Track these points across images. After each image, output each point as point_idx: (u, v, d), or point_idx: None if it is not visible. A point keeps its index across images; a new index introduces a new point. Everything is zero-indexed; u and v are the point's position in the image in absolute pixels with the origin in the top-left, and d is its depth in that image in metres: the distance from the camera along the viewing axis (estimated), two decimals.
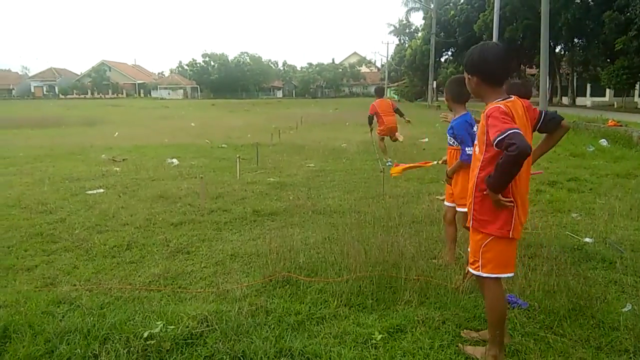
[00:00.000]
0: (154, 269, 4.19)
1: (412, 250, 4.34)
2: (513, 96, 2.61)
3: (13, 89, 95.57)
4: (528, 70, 55.69)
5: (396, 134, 10.89)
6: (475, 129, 3.88)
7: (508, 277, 2.67)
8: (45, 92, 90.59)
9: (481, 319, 3.14)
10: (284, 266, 4.09)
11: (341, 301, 3.45)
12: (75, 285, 3.85)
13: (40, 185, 7.88)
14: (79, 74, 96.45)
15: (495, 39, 31.89)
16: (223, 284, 3.91)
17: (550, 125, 2.91)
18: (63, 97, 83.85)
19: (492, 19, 32.63)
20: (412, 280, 3.67)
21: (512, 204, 2.53)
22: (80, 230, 5.29)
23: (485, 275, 2.65)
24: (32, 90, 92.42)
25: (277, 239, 4.92)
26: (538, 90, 27.37)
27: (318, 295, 3.58)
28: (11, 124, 21.90)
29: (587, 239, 4.85)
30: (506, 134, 2.28)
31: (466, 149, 3.84)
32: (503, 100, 2.54)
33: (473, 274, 2.76)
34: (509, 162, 2.31)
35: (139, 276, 4.07)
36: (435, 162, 5.05)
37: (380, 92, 11.19)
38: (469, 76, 2.63)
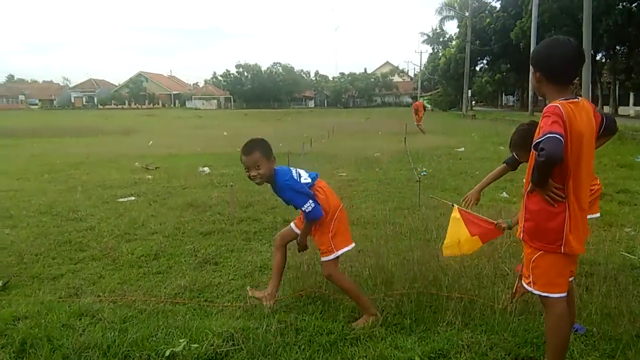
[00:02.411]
0: (180, 281, 4.02)
1: (454, 265, 4.04)
2: (580, 97, 2.34)
3: (54, 99, 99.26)
4: None
5: None
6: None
7: (558, 298, 2.37)
8: (84, 103, 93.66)
9: (534, 345, 2.82)
10: (315, 281, 3.86)
11: (378, 320, 3.18)
12: (99, 296, 3.72)
13: (72, 192, 7.91)
14: (117, 85, 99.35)
15: (533, 46, 31.14)
16: (251, 298, 3.71)
17: (609, 130, 2.63)
18: (101, 107, 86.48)
19: (530, 26, 31.93)
20: (454, 299, 3.37)
21: (563, 199, 2.28)
22: (108, 239, 5.19)
23: (536, 292, 2.41)
24: (72, 100, 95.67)
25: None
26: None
27: (352, 313, 3.33)
28: (52, 133, 22.52)
29: None
30: (544, 137, 2.13)
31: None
32: (565, 100, 2.28)
33: (526, 289, 2.50)
34: (537, 166, 2.24)
35: (165, 288, 3.91)
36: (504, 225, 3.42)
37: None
38: (534, 71, 2.41)
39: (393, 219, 5.95)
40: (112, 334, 2.88)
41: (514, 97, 71.36)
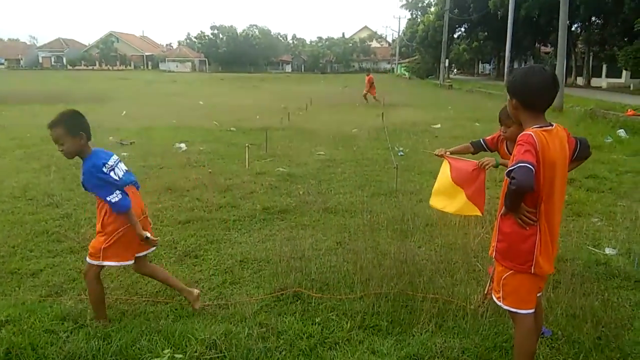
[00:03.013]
0: None
1: (428, 263, 4.19)
2: (554, 124, 2.43)
3: (21, 59, 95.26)
4: (543, 49, 54.62)
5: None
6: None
7: (526, 314, 2.52)
8: (53, 63, 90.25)
9: (503, 349, 3.00)
10: (294, 278, 3.96)
11: (355, 322, 3.31)
12: (80, 295, 3.74)
13: (46, 172, 7.76)
14: (87, 45, 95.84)
15: (510, 15, 31.10)
16: (232, 295, 3.80)
17: (583, 154, 2.73)
18: (71, 68, 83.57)
19: None
20: (429, 299, 3.52)
21: (535, 222, 2.39)
22: (86, 229, 5.16)
23: (506, 307, 2.55)
24: (40, 60, 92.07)
25: (287, 242, 4.80)
26: (553, 69, 26.94)
27: (330, 314, 3.45)
28: (20, 99, 21.76)
29: (608, 250, 4.67)
30: (516, 166, 2.24)
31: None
32: (539, 127, 2.36)
33: (496, 303, 2.65)
34: (509, 194, 2.35)
35: (146, 285, 3.95)
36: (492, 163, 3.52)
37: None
38: (509, 98, 2.49)
39: (370, 207, 6.06)
40: (96, 342, 2.93)
41: (490, 65, 71.63)
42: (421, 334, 3.16)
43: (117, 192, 3.09)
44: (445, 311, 3.42)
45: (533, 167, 2.22)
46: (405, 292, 3.64)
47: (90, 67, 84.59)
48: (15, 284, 3.95)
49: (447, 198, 3.70)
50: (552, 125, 2.42)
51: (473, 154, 3.86)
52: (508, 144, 3.66)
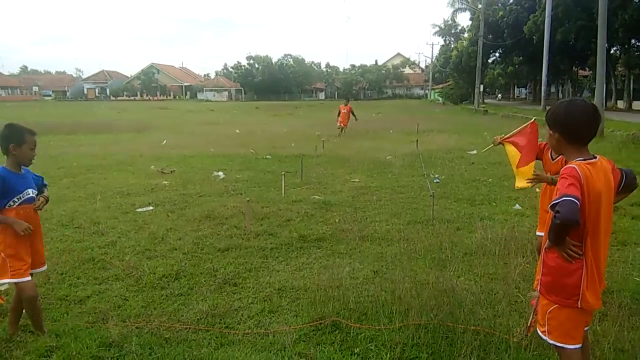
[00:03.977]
0: (201, 305, 4.14)
1: (468, 293, 4.13)
2: (598, 156, 2.41)
3: (67, 90, 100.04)
4: (581, 72, 53.57)
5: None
6: None
7: (574, 349, 2.46)
8: (97, 94, 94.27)
9: None
10: (332, 307, 3.97)
11: (394, 354, 3.29)
12: (124, 321, 3.85)
13: (92, 200, 8.07)
14: (129, 76, 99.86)
15: (546, 40, 30.80)
16: (271, 324, 3.83)
17: (629, 187, 2.67)
18: (114, 98, 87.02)
19: (543, 20, 31.54)
20: (470, 331, 3.46)
21: (581, 256, 2.35)
22: (130, 256, 5.34)
23: (551, 342, 2.50)
24: (85, 92, 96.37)
25: (324, 270, 4.82)
26: (592, 94, 26.18)
27: (369, 344, 3.43)
28: (67, 129, 22.76)
29: None
30: (560, 200, 2.22)
31: None
32: (583, 160, 2.35)
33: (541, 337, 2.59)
34: (553, 228, 2.34)
35: (187, 312, 4.04)
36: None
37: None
38: (551, 132, 2.49)
39: (407, 235, 6.03)
40: None
41: (526, 89, 70.74)
42: None
43: None
44: (487, 344, 3.35)
45: (578, 200, 2.20)
46: (446, 324, 3.59)
47: (132, 98, 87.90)
48: (63, 310, 4.11)
49: (526, 174, 3.83)
50: (595, 158, 2.40)
51: None
52: (552, 152, 3.98)
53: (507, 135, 4.13)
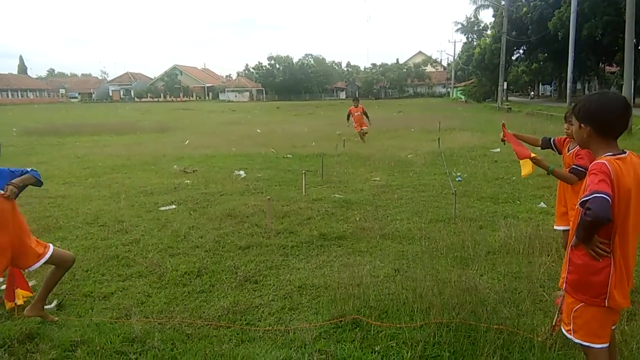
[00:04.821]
0: (223, 301, 4.17)
1: (491, 292, 4.06)
2: (627, 151, 2.34)
3: (93, 92, 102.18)
4: (607, 69, 52.36)
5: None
6: None
7: (601, 349, 2.39)
8: (122, 96, 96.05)
9: None
10: (353, 305, 3.95)
11: (416, 352, 3.25)
12: (148, 317, 3.90)
13: (116, 199, 8.21)
14: (153, 78, 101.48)
15: (572, 36, 30.17)
16: (291, 321, 3.83)
17: None
18: (138, 100, 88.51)
19: (569, 16, 30.91)
20: (493, 330, 3.41)
21: (608, 254, 2.29)
22: (153, 254, 5.41)
23: (577, 341, 2.44)
24: (110, 93, 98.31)
25: (345, 268, 4.81)
26: (620, 91, 25.55)
27: (390, 342, 3.41)
28: (92, 130, 23.23)
29: None
30: (591, 196, 2.14)
31: None
32: (613, 155, 2.28)
33: (566, 336, 2.54)
34: (583, 225, 2.26)
35: (209, 308, 4.07)
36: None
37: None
38: (582, 125, 2.41)
39: (428, 233, 5.97)
40: None
41: (551, 86, 69.43)
42: None
43: None
44: (510, 343, 3.29)
45: (609, 197, 2.13)
46: (468, 322, 3.54)
47: (156, 99, 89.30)
48: (88, 306, 4.18)
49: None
50: (625, 153, 2.33)
51: (541, 148, 4.06)
52: (570, 144, 4.04)
53: (516, 138, 4.19)
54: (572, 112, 2.49)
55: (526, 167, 3.89)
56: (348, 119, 16.74)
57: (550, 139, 4.36)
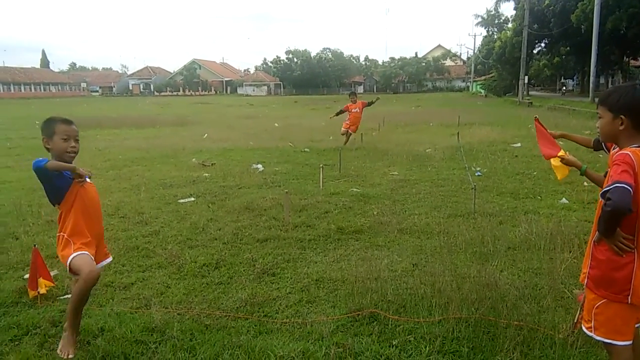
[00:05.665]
0: (241, 293, 4.19)
1: (512, 288, 4.01)
2: None
3: (114, 86, 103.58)
4: (632, 62, 51.15)
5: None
6: None
7: (624, 346, 2.35)
8: (141, 90, 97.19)
9: None
10: (370, 299, 3.94)
11: (434, 346, 3.23)
12: (167, 308, 3.95)
13: (136, 192, 8.31)
14: (172, 72, 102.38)
15: (595, 29, 29.54)
16: (309, 314, 3.84)
17: None
18: (157, 94, 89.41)
19: (593, 8, 30.25)
20: (513, 326, 3.36)
21: (632, 249, 2.24)
22: (172, 245, 5.46)
23: (598, 338, 2.40)
24: (130, 87, 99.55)
25: (362, 262, 4.79)
26: None
27: (408, 336, 3.39)
28: (113, 123, 23.54)
29: None
30: (612, 186, 2.12)
31: None
32: (638, 147, 2.23)
33: (586, 334, 2.49)
34: (604, 216, 2.24)
35: (227, 300, 4.09)
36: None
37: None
38: (615, 116, 2.35)
39: (447, 228, 5.92)
40: (182, 354, 3.08)
41: (573, 81, 68.11)
42: None
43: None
44: (530, 339, 3.25)
45: (631, 187, 2.10)
46: (487, 318, 3.50)
47: (175, 93, 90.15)
48: (109, 295, 4.25)
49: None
50: None
51: (594, 149, 3.79)
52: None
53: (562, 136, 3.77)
54: (603, 103, 2.41)
55: (560, 171, 3.55)
56: (338, 114, 14.31)
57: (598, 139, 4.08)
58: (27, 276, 4.27)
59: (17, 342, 3.41)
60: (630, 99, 2.32)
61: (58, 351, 3.11)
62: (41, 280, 4.02)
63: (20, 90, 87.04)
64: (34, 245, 4.10)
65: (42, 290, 4.03)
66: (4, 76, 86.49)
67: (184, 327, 3.56)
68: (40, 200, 7.69)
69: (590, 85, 33.31)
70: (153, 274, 4.71)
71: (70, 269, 3.08)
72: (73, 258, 3.04)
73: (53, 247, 5.42)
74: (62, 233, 3.19)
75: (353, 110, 13.58)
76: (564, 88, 55.40)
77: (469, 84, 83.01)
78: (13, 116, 31.53)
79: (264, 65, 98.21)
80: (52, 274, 4.35)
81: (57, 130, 3.14)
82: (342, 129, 14.00)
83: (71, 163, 3.22)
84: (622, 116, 2.33)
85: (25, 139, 17.55)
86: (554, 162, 3.55)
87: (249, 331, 3.55)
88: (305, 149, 13.58)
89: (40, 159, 3.06)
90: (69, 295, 4.08)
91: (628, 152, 2.21)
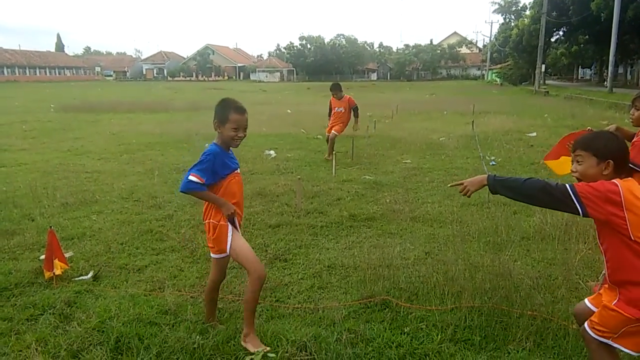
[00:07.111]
0: None
1: (525, 277, 3.98)
2: None
3: (127, 71, 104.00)
4: None
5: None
6: None
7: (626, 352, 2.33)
8: (155, 75, 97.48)
9: None
10: (382, 286, 3.93)
11: (446, 335, 3.22)
12: (180, 290, 3.98)
13: (150, 176, 8.36)
14: (185, 57, 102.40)
15: (616, 17, 28.90)
16: (320, 300, 3.85)
17: None
18: (171, 79, 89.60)
19: None
20: (526, 316, 3.34)
21: None
22: (186, 229, 5.50)
23: (594, 336, 2.37)
24: (144, 72, 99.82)
25: (374, 250, 4.79)
26: None
27: (420, 324, 3.38)
28: (127, 107, 23.65)
29: None
30: (570, 184, 2.27)
31: None
32: None
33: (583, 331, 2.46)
34: (552, 190, 2.41)
35: (239, 284, 4.12)
36: None
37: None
38: (600, 161, 2.37)
39: (460, 217, 5.89)
40: (196, 336, 3.10)
41: (591, 70, 66.94)
42: (517, 352, 3.01)
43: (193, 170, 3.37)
44: (544, 329, 3.22)
45: (573, 192, 2.25)
46: (500, 307, 3.48)
47: (188, 78, 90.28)
48: (123, 278, 4.29)
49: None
50: None
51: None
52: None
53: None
54: (587, 148, 2.40)
55: (559, 167, 3.69)
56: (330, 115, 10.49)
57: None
58: (42, 257, 4.33)
59: (33, 322, 3.47)
60: (616, 146, 2.38)
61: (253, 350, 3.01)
62: (57, 262, 4.08)
63: (36, 74, 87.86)
64: (50, 227, 4.15)
65: (58, 272, 4.09)
66: (20, 59, 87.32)
67: (197, 310, 3.59)
68: (55, 183, 7.79)
69: (609, 74, 32.70)
70: (166, 257, 4.75)
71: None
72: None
73: (68, 229, 5.51)
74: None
75: (336, 110, 10.24)
76: (592, 76, 50.58)
77: (484, 72, 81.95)
78: (29, 99, 31.84)
79: (277, 51, 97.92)
80: (67, 255, 4.41)
81: (231, 119, 3.16)
82: (326, 133, 10.61)
83: (236, 148, 3.32)
84: (609, 161, 2.34)
85: (41, 121, 17.73)
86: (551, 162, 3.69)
87: (261, 315, 3.57)
88: (318, 136, 13.52)
89: (204, 160, 3.28)
90: (84, 277, 4.14)
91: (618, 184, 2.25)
